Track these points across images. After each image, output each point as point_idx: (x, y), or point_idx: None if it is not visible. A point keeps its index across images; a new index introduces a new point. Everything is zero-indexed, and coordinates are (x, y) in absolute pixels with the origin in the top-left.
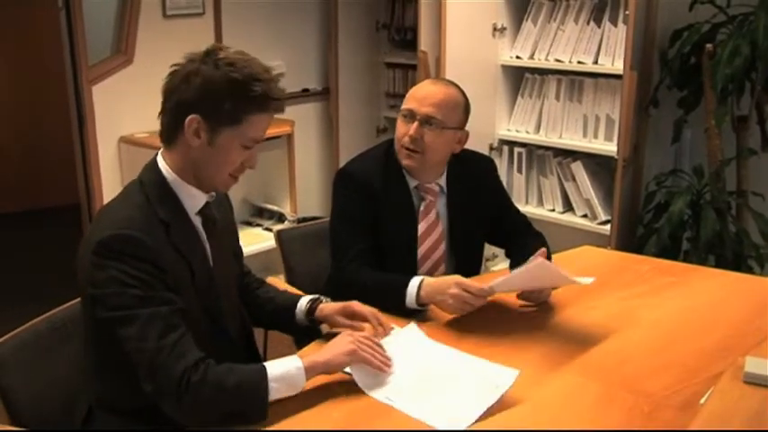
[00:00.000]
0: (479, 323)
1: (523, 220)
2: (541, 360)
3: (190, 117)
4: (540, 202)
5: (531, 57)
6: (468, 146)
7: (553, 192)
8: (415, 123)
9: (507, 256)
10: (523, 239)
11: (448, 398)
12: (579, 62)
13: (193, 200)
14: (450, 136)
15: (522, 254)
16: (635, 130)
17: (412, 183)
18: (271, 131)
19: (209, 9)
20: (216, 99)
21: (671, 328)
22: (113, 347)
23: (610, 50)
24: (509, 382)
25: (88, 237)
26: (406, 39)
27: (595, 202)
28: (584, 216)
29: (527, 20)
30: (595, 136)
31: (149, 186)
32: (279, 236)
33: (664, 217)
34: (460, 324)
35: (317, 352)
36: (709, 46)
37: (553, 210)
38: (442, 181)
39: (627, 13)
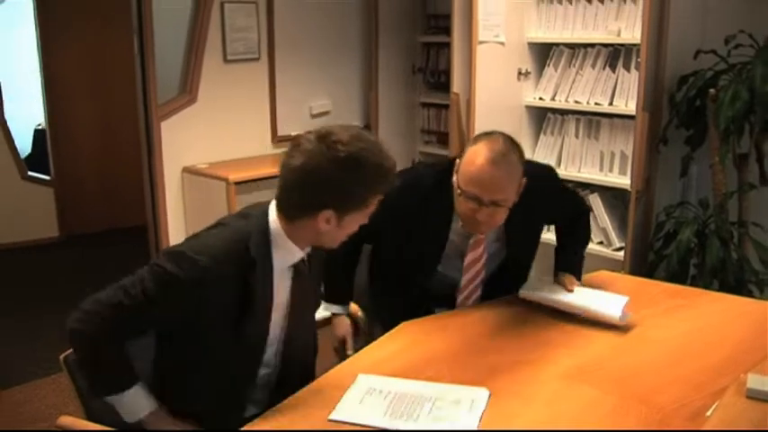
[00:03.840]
0: (503, 343)
1: (577, 207)
2: (561, 375)
3: (324, 213)
4: None
5: (553, 98)
6: None
7: None
8: (484, 209)
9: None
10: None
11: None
12: (596, 103)
13: (289, 255)
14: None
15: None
16: (647, 166)
17: (460, 222)
18: None
19: (263, 55)
20: (349, 195)
21: (679, 347)
22: (172, 352)
23: (623, 93)
24: (484, 400)
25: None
26: (440, 81)
27: (611, 230)
28: (601, 243)
29: (549, 65)
30: (611, 170)
31: (255, 228)
32: None
33: (672, 244)
34: (488, 342)
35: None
36: (712, 91)
37: None
38: None
39: (639, 60)
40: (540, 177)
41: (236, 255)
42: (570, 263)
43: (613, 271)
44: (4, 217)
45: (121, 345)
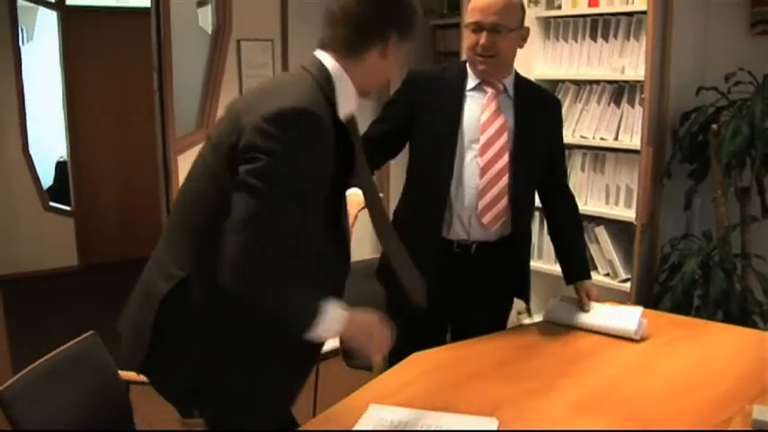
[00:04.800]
0: (510, 373)
1: (564, 176)
2: (568, 404)
3: (390, 38)
4: None
5: None
6: None
7: None
8: (485, 33)
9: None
10: (562, 212)
11: None
12: (601, 138)
13: (347, 103)
14: (515, 36)
15: (561, 231)
16: (651, 199)
17: (473, 81)
18: None
19: None
20: (409, 20)
21: (685, 377)
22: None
23: (628, 128)
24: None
25: (246, 106)
26: None
27: (617, 262)
28: (607, 275)
29: None
30: (616, 203)
31: (318, 74)
32: None
33: (677, 276)
34: (496, 372)
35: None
36: (714, 126)
37: None
38: (509, 83)
39: (642, 96)
40: (550, 94)
41: (321, 103)
42: (580, 269)
43: (620, 302)
44: (27, 245)
45: (300, 261)
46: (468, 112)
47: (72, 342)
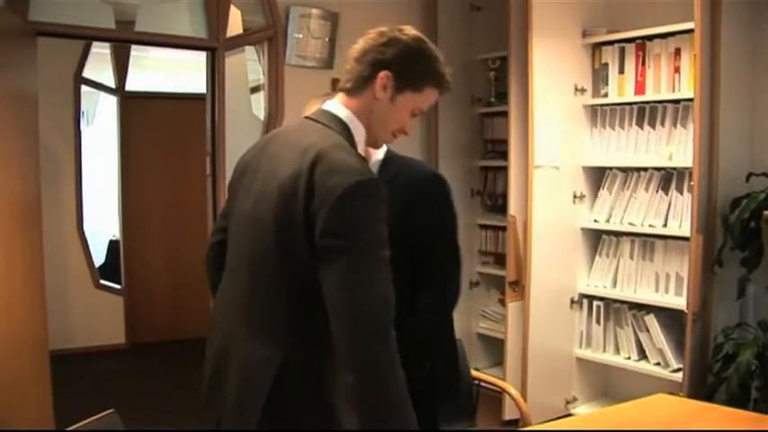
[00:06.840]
0: None
1: (441, 268)
2: None
3: (383, 72)
4: (617, 351)
5: (608, 220)
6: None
7: (629, 341)
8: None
9: None
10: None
11: None
12: (650, 225)
13: (361, 144)
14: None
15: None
16: (702, 287)
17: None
18: None
19: None
20: (410, 63)
21: None
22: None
23: (677, 216)
24: None
25: (316, 182)
26: (498, 204)
27: (667, 351)
28: (657, 364)
29: (603, 188)
30: (666, 291)
31: (343, 133)
32: None
33: (732, 367)
34: None
35: None
36: (765, 213)
37: (629, 358)
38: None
39: (691, 183)
40: (428, 174)
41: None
42: None
43: (672, 393)
44: (77, 322)
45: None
46: None
47: (90, 419)
